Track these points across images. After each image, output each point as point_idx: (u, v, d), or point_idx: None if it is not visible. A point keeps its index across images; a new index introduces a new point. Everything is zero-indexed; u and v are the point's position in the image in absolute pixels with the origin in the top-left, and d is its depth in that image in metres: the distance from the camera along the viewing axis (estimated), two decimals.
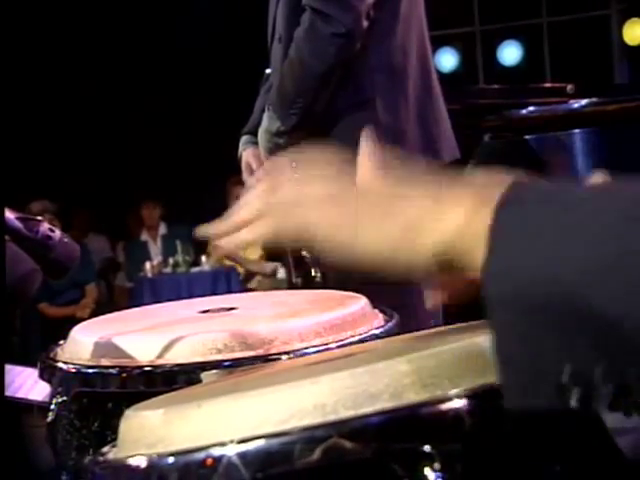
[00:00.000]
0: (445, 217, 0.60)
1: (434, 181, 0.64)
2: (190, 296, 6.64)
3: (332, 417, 0.58)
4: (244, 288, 6.77)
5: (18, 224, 0.86)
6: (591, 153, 3.13)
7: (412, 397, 0.58)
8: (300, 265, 2.16)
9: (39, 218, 0.89)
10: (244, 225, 0.73)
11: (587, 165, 3.13)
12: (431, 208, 0.61)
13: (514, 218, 0.56)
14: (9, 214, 0.86)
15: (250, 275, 6.93)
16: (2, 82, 6.33)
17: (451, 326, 0.72)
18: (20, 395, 1.84)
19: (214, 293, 6.52)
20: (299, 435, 0.56)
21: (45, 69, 7.88)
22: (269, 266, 6.69)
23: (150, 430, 0.63)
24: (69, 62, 8.00)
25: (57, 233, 0.90)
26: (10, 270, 0.77)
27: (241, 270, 6.95)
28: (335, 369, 0.62)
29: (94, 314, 6.45)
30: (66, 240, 0.91)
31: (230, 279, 6.79)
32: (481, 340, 0.62)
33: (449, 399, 0.57)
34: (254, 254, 7.01)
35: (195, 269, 7.04)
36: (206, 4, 8.17)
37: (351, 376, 0.59)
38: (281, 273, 6.43)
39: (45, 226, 0.88)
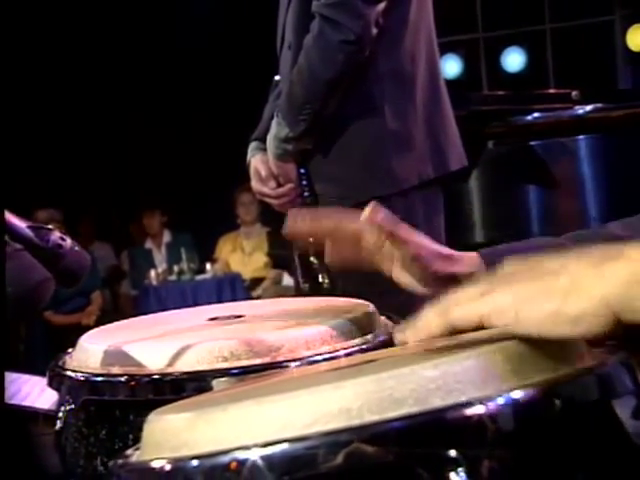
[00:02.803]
0: (611, 267, 0.58)
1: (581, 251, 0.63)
2: (195, 303, 6.67)
3: (357, 421, 0.58)
4: (249, 295, 6.78)
5: (29, 233, 0.86)
6: (596, 159, 3.13)
7: (437, 402, 0.59)
8: (308, 271, 2.17)
9: (50, 227, 0.90)
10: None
11: (592, 171, 3.14)
12: (594, 261, 0.59)
13: None
14: (20, 223, 0.87)
15: (255, 282, 6.94)
16: (7, 92, 6.34)
17: (473, 332, 0.72)
18: (27, 403, 1.84)
19: (219, 300, 6.53)
20: (324, 439, 0.56)
21: (48, 77, 7.90)
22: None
23: (174, 433, 0.63)
24: (72, 70, 8.02)
25: (68, 242, 0.90)
26: (24, 279, 0.77)
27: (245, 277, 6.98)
28: (359, 374, 0.62)
29: (99, 322, 6.50)
30: (77, 249, 0.91)
31: (235, 286, 6.80)
32: (505, 345, 0.63)
33: (474, 404, 0.57)
34: (259, 262, 7.03)
35: (200, 276, 7.06)
36: (212, 13, 8.19)
37: (376, 381, 0.60)
38: (286, 280, 6.43)
39: (56, 235, 0.88)
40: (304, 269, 2.22)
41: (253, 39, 5.84)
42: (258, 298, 6.66)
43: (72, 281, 0.90)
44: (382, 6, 1.98)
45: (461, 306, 0.67)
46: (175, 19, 8.21)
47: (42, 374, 1.69)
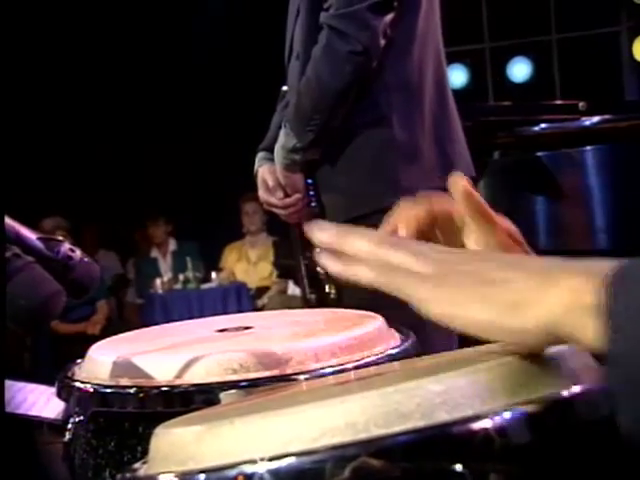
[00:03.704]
0: (553, 291, 0.59)
1: (536, 257, 0.65)
2: (201, 312, 6.65)
3: (363, 435, 0.58)
4: (254, 304, 6.78)
5: (39, 244, 0.86)
6: (603, 170, 3.12)
7: (443, 416, 0.59)
8: (314, 281, 2.17)
9: (60, 238, 0.90)
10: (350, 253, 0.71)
11: (599, 183, 3.13)
12: (537, 281, 0.61)
13: (633, 294, 0.55)
14: (30, 234, 0.87)
15: (260, 291, 6.94)
16: (13, 102, 6.36)
17: (478, 347, 0.72)
18: (33, 413, 1.84)
19: (225, 309, 6.53)
20: (330, 453, 0.56)
21: (53, 87, 7.92)
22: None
23: (181, 447, 0.64)
24: (77, 78, 8.04)
25: (77, 253, 0.90)
26: (36, 291, 0.77)
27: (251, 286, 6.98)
28: (366, 388, 0.62)
29: (105, 330, 6.48)
30: (86, 260, 0.91)
31: (240, 295, 6.80)
32: (511, 360, 0.62)
33: (481, 418, 0.57)
34: (265, 271, 7.03)
35: (205, 285, 7.06)
36: (221, 20, 8.20)
37: (382, 395, 0.60)
38: (291, 289, 6.43)
39: (66, 246, 0.88)
40: (311, 279, 2.22)
41: (260, 49, 5.85)
42: (263, 307, 6.66)
43: (82, 292, 0.90)
44: (390, 17, 1.98)
45: (399, 272, 0.67)
46: (189, 34, 8.21)
47: (47, 382, 1.69)
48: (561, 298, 0.59)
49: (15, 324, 0.77)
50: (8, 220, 0.85)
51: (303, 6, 2.10)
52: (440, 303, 0.64)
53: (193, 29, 8.18)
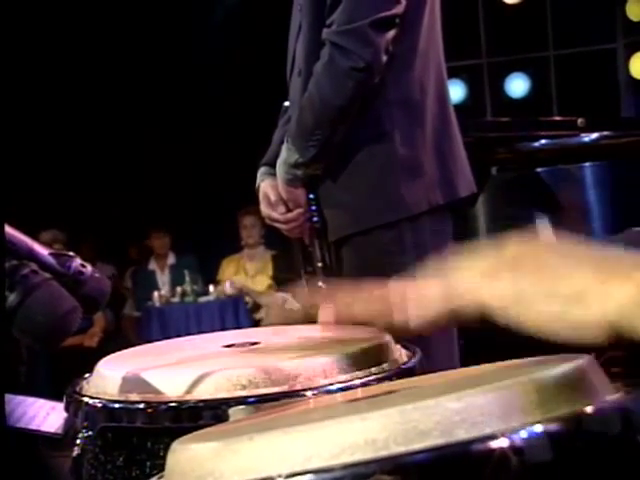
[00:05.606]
0: (619, 284, 0.60)
1: (599, 253, 0.65)
2: (198, 325, 6.61)
3: (383, 453, 0.58)
4: (252, 318, 6.78)
5: (51, 260, 0.87)
6: (602, 187, 3.14)
7: (462, 434, 0.59)
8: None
9: (71, 254, 0.90)
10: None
11: (598, 199, 3.14)
12: (604, 274, 0.61)
13: None
14: (42, 250, 0.87)
15: (258, 305, 6.94)
16: (10, 113, 6.35)
17: (494, 364, 0.72)
18: (33, 427, 1.84)
19: (222, 322, 6.53)
20: (349, 470, 0.57)
21: (52, 98, 7.92)
22: (279, 297, 6.68)
23: (200, 463, 0.63)
24: (77, 90, 8.05)
25: (88, 268, 0.91)
26: (53, 308, 0.78)
27: (249, 300, 6.97)
28: (384, 405, 0.63)
29: (102, 343, 6.43)
30: (97, 275, 0.92)
31: (238, 309, 6.81)
32: (529, 378, 0.63)
33: (498, 437, 0.58)
34: (262, 284, 7.02)
35: (203, 299, 7.06)
36: (224, 37, 8.23)
37: (401, 412, 0.60)
38: (290, 303, 6.43)
39: (77, 262, 0.89)
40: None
41: (260, 66, 5.87)
42: (260, 320, 6.65)
43: (93, 307, 0.91)
44: (392, 34, 1.99)
45: (460, 281, 0.68)
46: (191, 51, 8.22)
47: (44, 395, 1.69)
48: (628, 291, 0.59)
49: (33, 340, 0.78)
50: (21, 236, 0.86)
51: (305, 22, 2.11)
52: (504, 300, 0.65)
53: (196, 42, 8.19)
